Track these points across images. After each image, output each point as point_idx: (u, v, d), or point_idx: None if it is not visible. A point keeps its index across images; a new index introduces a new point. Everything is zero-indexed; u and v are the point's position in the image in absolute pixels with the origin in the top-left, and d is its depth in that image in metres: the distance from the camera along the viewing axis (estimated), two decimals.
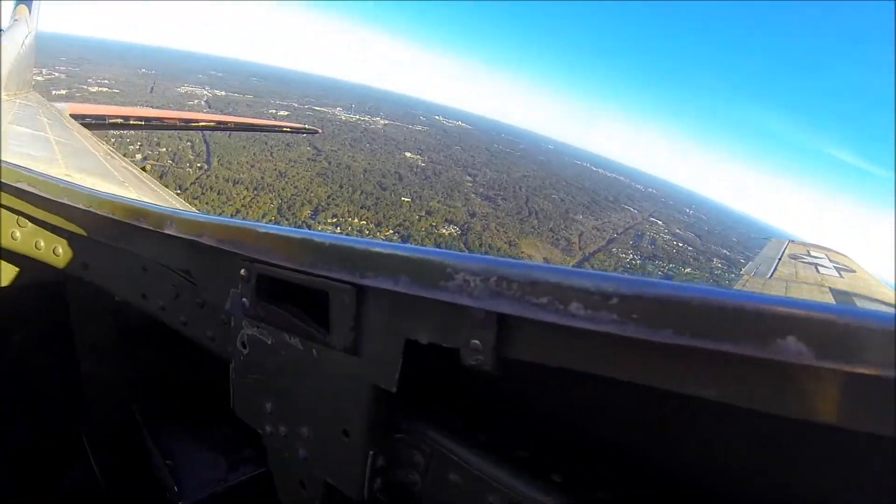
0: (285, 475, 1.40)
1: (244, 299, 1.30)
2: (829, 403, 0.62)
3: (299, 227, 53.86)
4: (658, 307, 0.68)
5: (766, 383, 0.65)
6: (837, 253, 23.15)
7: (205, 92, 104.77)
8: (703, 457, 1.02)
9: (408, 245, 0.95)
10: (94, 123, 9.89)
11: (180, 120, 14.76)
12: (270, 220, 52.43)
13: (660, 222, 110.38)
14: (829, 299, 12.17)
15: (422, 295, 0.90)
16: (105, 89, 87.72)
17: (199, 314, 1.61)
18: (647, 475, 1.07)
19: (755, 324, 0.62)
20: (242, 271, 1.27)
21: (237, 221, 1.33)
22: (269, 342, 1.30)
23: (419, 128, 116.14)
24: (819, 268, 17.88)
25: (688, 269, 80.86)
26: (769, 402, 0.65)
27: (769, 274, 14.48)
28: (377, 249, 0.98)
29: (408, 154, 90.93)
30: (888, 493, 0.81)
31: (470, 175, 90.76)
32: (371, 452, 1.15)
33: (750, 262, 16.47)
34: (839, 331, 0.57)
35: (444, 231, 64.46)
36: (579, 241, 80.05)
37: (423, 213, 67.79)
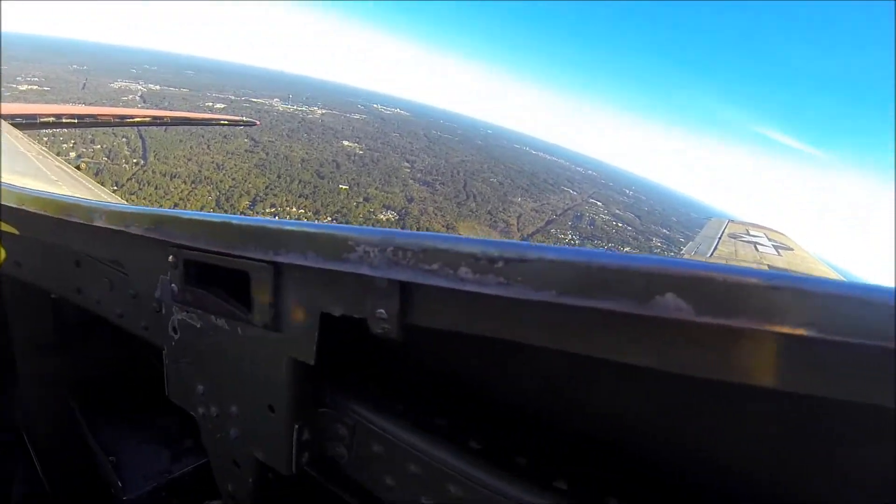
0: (219, 455, 1.44)
1: (173, 285, 1.33)
2: (708, 357, 0.64)
3: None
4: (541, 268, 0.70)
5: (648, 339, 0.68)
6: (775, 231, 23.81)
7: (139, 87, 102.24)
8: (608, 415, 1.07)
9: (316, 223, 1.03)
10: (25, 123, 9.74)
11: (115, 116, 14.14)
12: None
13: (599, 203, 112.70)
14: None
15: (328, 268, 0.93)
16: (35, 87, 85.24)
17: (133, 305, 1.60)
18: (561, 437, 1.12)
19: (636, 282, 0.64)
20: (170, 258, 1.30)
21: (162, 210, 1.37)
22: (199, 325, 1.32)
23: (357, 116, 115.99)
24: (758, 246, 18.16)
25: (627, 248, 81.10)
26: (651, 356, 0.68)
27: (709, 253, 14.85)
28: (289, 228, 1.02)
29: (346, 142, 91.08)
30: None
31: (408, 161, 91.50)
32: (296, 426, 1.18)
33: (690, 242, 16.89)
34: (717, 287, 0.60)
35: (382, 216, 65.42)
36: (517, 223, 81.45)
37: (361, 200, 68.65)
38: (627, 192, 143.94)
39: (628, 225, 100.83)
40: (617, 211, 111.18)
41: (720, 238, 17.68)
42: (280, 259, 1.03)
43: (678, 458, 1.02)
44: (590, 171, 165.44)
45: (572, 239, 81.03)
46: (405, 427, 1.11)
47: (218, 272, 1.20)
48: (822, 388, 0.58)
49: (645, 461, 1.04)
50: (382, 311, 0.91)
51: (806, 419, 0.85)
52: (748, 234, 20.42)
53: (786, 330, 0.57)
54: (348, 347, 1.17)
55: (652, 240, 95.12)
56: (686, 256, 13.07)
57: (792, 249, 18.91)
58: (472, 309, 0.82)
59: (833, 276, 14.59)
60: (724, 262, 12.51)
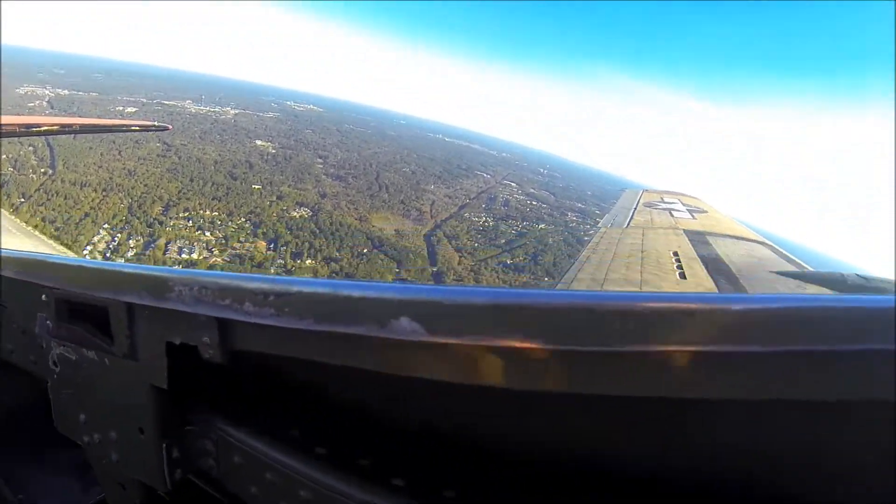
0: (107, 480, 1.49)
1: (48, 322, 1.38)
2: (440, 370, 0.76)
3: (151, 224, 55.27)
4: (300, 300, 0.84)
5: (389, 357, 0.80)
6: (689, 196, 25.97)
7: (47, 91, 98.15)
8: (438, 411, 1.17)
9: (149, 266, 1.21)
10: None
11: (20, 125, 13.50)
12: (121, 221, 53.74)
13: (513, 184, 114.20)
14: (685, 241, 13.38)
15: (156, 305, 1.07)
16: None
17: (22, 341, 1.64)
18: (403, 437, 1.23)
19: (374, 308, 0.75)
20: (43, 297, 1.36)
21: (31, 255, 1.49)
22: (74, 358, 1.37)
23: (270, 115, 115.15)
24: (673, 212, 19.17)
25: (542, 226, 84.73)
26: (392, 368, 0.81)
27: (626, 223, 15.43)
28: (127, 271, 1.18)
29: (258, 142, 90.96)
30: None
31: (321, 157, 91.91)
32: (164, 445, 1.25)
33: (606, 215, 17.37)
34: (444, 310, 0.69)
35: (296, 214, 65.89)
36: (431, 210, 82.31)
37: (274, 199, 68.99)
38: (542, 170, 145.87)
39: (543, 202, 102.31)
40: (531, 190, 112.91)
41: (636, 208, 18.79)
42: (124, 298, 1.16)
43: (509, 448, 1.14)
44: (504, 154, 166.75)
45: (486, 220, 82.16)
46: (261, 439, 1.21)
47: (85, 308, 1.30)
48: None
49: (481, 451, 1.15)
50: (207, 339, 1.06)
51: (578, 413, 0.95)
52: (663, 201, 22.09)
53: (510, 344, 0.65)
54: (215, 370, 1.22)
55: (567, 215, 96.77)
56: (603, 229, 13.75)
57: (706, 212, 20.93)
58: (274, 335, 0.95)
59: (746, 233, 16.91)
60: (640, 230, 13.97)
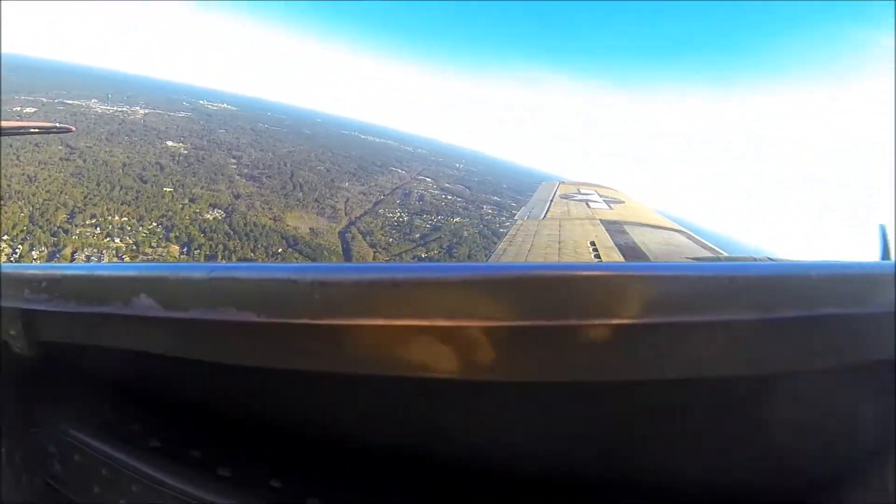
0: None
1: None
2: (218, 352, 0.76)
3: (55, 233, 54.09)
4: (75, 284, 0.84)
5: (164, 339, 0.81)
6: (606, 187, 25.65)
7: None
8: (311, 415, 1.12)
9: None
10: None
11: None
12: (22, 232, 52.23)
13: (428, 179, 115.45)
14: (602, 230, 13.08)
15: None
16: None
17: None
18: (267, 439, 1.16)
19: (118, 286, 0.77)
20: None
21: None
22: None
23: (182, 114, 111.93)
24: (590, 203, 19.11)
25: (457, 219, 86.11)
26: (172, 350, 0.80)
27: (542, 215, 15.02)
28: None
29: (170, 143, 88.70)
30: None
31: (234, 157, 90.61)
32: (3, 451, 1.18)
33: (523, 207, 16.76)
34: (173, 285, 0.71)
35: (209, 216, 65.38)
36: (345, 207, 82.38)
37: (187, 202, 68.10)
38: (458, 165, 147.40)
39: (458, 196, 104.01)
40: (447, 185, 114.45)
41: (552, 200, 18.56)
42: None
43: (337, 434, 1.11)
44: (420, 150, 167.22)
45: (401, 216, 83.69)
46: (97, 436, 1.19)
47: None
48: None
49: (310, 440, 1.12)
50: (13, 332, 1.02)
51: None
52: (580, 192, 21.91)
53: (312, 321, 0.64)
54: (57, 368, 1.21)
55: (483, 208, 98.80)
56: (520, 221, 13.53)
57: (623, 202, 20.90)
58: (67, 322, 0.94)
59: (663, 221, 16.94)
60: (557, 222, 13.66)
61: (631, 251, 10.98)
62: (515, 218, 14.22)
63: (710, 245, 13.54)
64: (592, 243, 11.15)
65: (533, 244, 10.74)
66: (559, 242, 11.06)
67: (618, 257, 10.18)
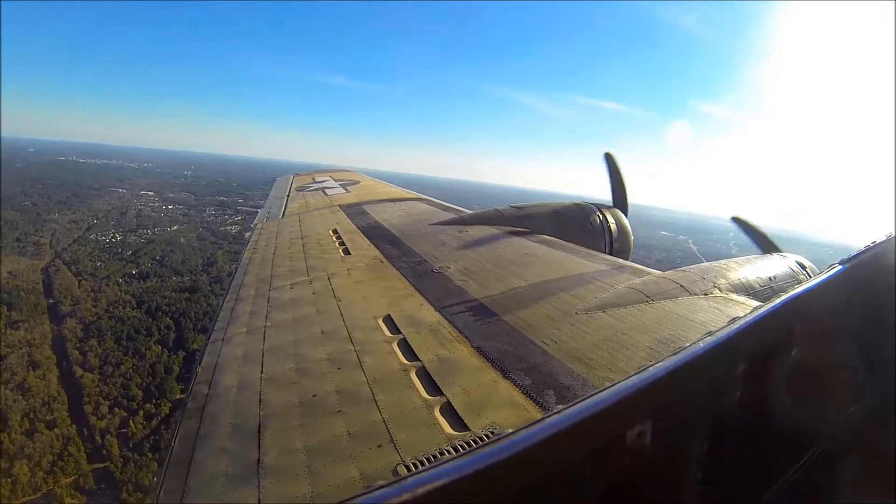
0: None
1: None
2: None
3: None
4: None
5: None
6: (341, 171, 25.73)
7: None
8: None
9: None
10: None
11: None
12: None
13: (151, 193, 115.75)
14: (342, 216, 13.17)
15: None
16: None
17: None
18: None
19: None
20: None
21: None
22: None
23: None
24: (326, 190, 18.78)
25: (175, 227, 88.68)
26: None
27: (281, 213, 14.62)
28: None
29: None
30: None
31: None
32: None
33: (260, 210, 16.35)
34: None
35: None
36: (51, 241, 78.57)
37: None
38: (186, 173, 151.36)
39: (181, 204, 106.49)
40: (170, 194, 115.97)
41: (289, 195, 18.16)
42: None
43: None
44: (146, 164, 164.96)
45: (114, 236, 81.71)
46: None
47: None
48: None
49: None
50: None
51: None
52: (315, 181, 22.03)
53: None
54: None
55: (205, 210, 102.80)
56: (260, 225, 13.01)
57: (359, 182, 21.25)
58: None
59: (400, 193, 17.35)
60: (297, 217, 13.71)
61: (374, 230, 10.99)
62: (254, 223, 13.81)
63: (451, 206, 13.98)
64: (335, 231, 11.14)
65: (276, 246, 10.53)
66: (302, 238, 10.92)
67: (362, 239, 10.17)
